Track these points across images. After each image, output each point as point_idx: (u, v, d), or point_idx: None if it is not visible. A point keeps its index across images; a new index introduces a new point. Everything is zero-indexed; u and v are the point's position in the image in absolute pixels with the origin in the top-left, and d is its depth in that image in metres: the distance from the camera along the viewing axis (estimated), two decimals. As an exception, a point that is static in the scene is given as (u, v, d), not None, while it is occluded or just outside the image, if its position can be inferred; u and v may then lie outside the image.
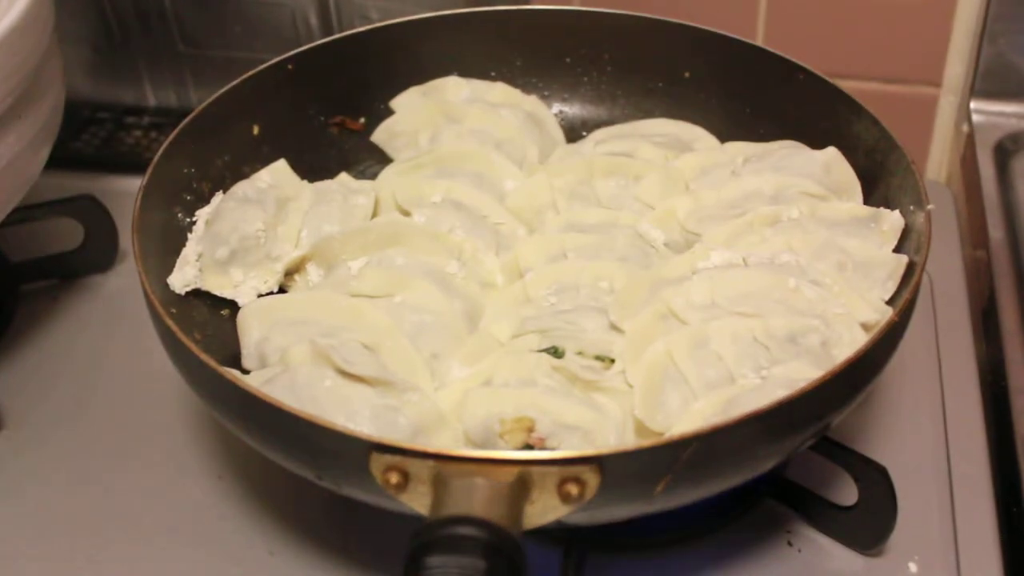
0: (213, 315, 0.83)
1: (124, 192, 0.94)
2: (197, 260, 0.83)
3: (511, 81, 1.01)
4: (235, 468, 0.84)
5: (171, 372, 0.73)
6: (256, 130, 0.93)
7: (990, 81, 1.10)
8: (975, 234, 1.04)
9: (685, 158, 0.90)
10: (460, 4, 1.02)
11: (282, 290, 0.85)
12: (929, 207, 0.77)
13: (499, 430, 0.69)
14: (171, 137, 0.84)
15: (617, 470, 0.60)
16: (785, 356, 0.71)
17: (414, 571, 0.55)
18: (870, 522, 0.75)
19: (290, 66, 0.94)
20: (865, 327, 0.74)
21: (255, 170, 0.91)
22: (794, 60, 0.92)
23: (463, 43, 1.00)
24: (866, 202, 0.85)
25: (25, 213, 0.95)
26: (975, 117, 1.11)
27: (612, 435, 0.71)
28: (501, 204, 0.89)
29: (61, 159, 0.97)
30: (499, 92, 1.00)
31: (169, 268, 0.82)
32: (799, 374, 0.69)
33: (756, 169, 0.87)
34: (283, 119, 0.95)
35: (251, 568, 0.78)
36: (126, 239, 1.00)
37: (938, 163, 1.19)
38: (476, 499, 0.58)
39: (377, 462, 0.61)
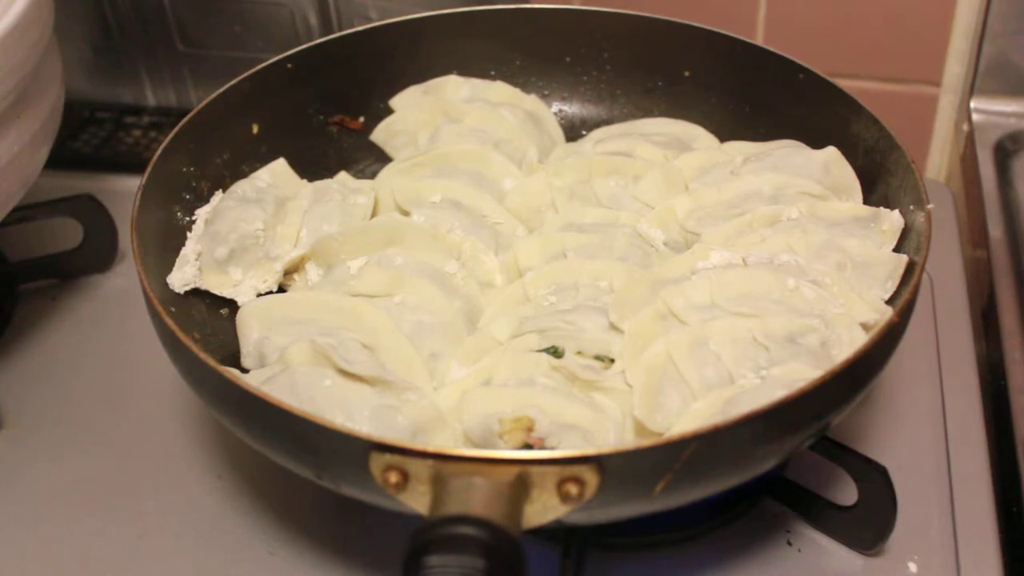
0: (212, 314, 0.83)
1: (123, 191, 0.94)
2: (196, 259, 0.83)
3: (511, 80, 1.01)
4: (235, 468, 0.84)
5: (171, 372, 0.73)
6: (255, 129, 0.93)
7: (990, 81, 1.10)
8: (975, 234, 1.04)
9: (685, 158, 0.90)
10: (460, 4, 1.02)
11: (281, 289, 0.85)
12: (929, 207, 0.77)
13: (498, 430, 0.69)
14: (170, 136, 0.84)
15: (617, 470, 0.60)
16: (784, 356, 0.71)
17: (414, 570, 0.55)
18: (870, 522, 0.75)
19: (289, 65, 0.94)
20: (865, 327, 0.74)
21: (254, 169, 0.91)
22: (794, 60, 0.92)
23: (463, 43, 1.00)
24: (866, 202, 0.85)
25: (24, 213, 0.95)
26: (975, 117, 1.11)
27: (611, 435, 0.70)
28: (500, 203, 0.89)
29: (60, 159, 0.97)
30: (499, 91, 1.00)
31: (168, 267, 0.82)
32: (798, 374, 0.69)
33: (755, 169, 0.87)
34: (282, 118, 0.95)
35: (250, 567, 0.78)
36: (125, 239, 1.00)
37: (938, 163, 1.19)
38: (475, 498, 0.58)
39: (376, 461, 0.61)
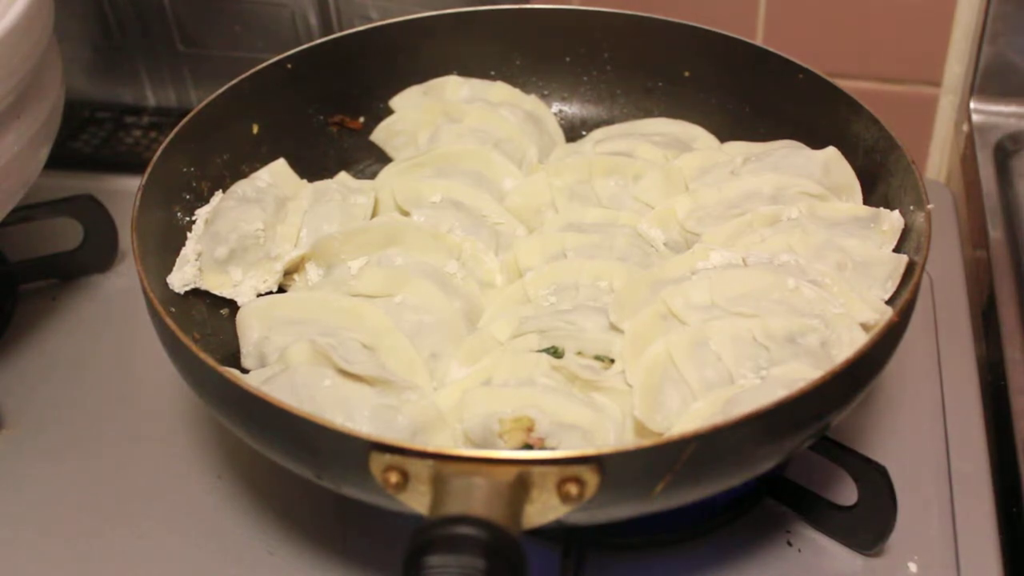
0: (212, 314, 0.83)
1: (123, 192, 0.94)
2: (196, 259, 0.83)
3: (511, 80, 1.01)
4: (235, 468, 0.84)
5: (171, 372, 0.73)
6: (255, 129, 0.93)
7: (990, 81, 1.10)
8: (975, 234, 1.04)
9: (685, 158, 0.90)
10: (460, 4, 1.02)
11: (281, 289, 0.85)
12: (929, 207, 0.77)
13: (498, 430, 0.69)
14: (170, 136, 0.84)
15: (617, 470, 0.60)
16: (784, 356, 0.71)
17: (414, 570, 0.55)
18: (870, 522, 0.75)
19: (289, 65, 0.94)
20: (865, 327, 0.74)
21: (254, 169, 0.91)
22: (794, 60, 0.92)
23: (463, 43, 1.00)
24: (866, 202, 0.85)
25: (24, 213, 0.95)
26: (975, 117, 1.11)
27: (612, 435, 0.70)
28: (500, 203, 0.89)
29: (60, 159, 0.97)
30: (499, 91, 1.00)
31: (168, 267, 0.82)
32: (798, 374, 0.69)
33: (755, 169, 0.87)
34: (282, 118, 0.95)
35: (251, 567, 0.78)
36: (125, 239, 1.00)
37: (938, 163, 1.19)
38: (475, 499, 0.58)
39: (376, 461, 0.61)
